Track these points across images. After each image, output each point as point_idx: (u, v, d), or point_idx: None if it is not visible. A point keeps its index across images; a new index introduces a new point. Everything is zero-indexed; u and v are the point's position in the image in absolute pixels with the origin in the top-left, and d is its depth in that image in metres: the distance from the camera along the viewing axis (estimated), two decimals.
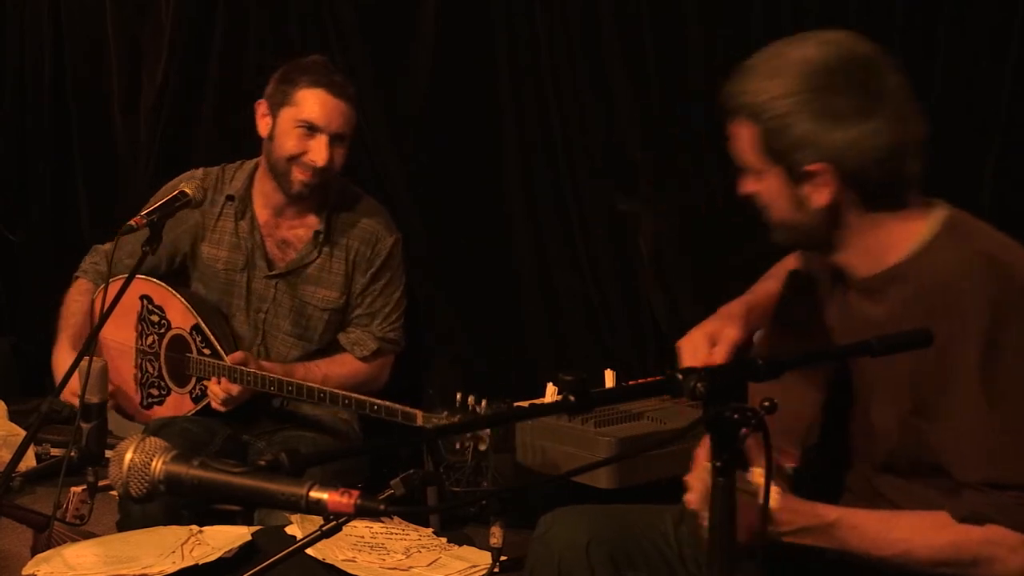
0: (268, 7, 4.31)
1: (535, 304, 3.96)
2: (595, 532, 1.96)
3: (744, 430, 1.31)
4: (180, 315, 2.90)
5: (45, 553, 2.24)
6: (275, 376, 2.69)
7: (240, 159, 3.11)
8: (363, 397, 2.60)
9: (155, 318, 2.97)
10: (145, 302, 2.98)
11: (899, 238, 1.74)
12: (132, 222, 2.42)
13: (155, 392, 2.97)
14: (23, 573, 2.16)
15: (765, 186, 1.77)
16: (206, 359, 2.82)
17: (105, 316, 2.25)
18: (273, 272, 2.90)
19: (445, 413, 2.39)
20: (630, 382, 2.85)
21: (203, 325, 2.84)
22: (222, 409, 2.77)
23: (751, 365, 1.42)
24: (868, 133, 1.67)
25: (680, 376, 1.36)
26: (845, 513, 1.72)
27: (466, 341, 3.98)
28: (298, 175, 2.78)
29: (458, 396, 2.40)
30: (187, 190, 2.58)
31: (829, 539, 1.70)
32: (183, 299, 2.89)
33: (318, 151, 2.75)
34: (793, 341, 1.89)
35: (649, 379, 3.12)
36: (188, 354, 2.88)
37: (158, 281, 2.94)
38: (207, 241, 2.94)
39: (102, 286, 2.82)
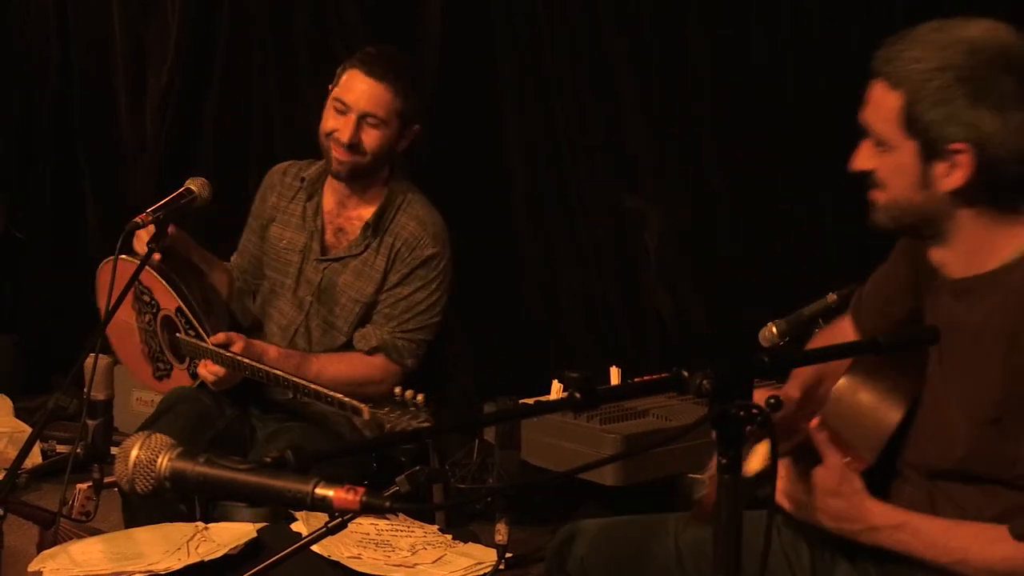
0: (272, 8, 4.31)
1: (540, 302, 3.97)
2: (596, 546, 1.92)
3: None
4: (165, 297, 2.92)
5: (51, 550, 2.24)
6: (247, 361, 2.70)
7: (244, 158, 3.13)
8: (321, 388, 2.60)
9: (146, 298, 3.00)
10: (137, 284, 3.00)
11: (1005, 243, 1.70)
12: (138, 219, 2.43)
13: (161, 365, 3.00)
14: (29, 569, 2.16)
15: (890, 161, 1.70)
16: (191, 340, 2.84)
17: (109, 315, 2.26)
18: (325, 257, 2.92)
19: (387, 407, 2.39)
20: (635, 379, 2.85)
21: (184, 307, 2.86)
22: (215, 389, 2.78)
23: (756, 362, 1.41)
24: (1018, 124, 1.63)
25: (686, 373, 1.35)
26: (911, 517, 1.70)
27: (472, 339, 3.98)
28: (333, 151, 2.83)
29: (396, 390, 2.39)
30: (192, 187, 2.59)
31: (893, 541, 1.69)
32: (165, 282, 2.91)
33: (344, 128, 2.77)
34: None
35: (654, 376, 3.12)
36: (177, 334, 2.90)
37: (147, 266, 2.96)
38: (278, 222, 2.98)
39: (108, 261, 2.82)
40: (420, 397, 2.36)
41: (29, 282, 4.99)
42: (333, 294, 2.90)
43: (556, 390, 2.84)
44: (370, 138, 2.80)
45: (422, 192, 3.00)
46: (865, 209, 3.19)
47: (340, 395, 2.57)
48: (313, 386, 2.59)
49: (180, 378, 2.94)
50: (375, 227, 2.87)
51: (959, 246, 1.73)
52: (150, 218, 2.41)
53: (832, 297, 2.44)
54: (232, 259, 3.06)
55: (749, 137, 3.64)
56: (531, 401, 2.77)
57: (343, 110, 2.78)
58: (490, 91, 3.96)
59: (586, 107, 3.80)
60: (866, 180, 1.76)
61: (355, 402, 2.53)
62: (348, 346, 2.91)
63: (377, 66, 2.79)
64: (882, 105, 1.71)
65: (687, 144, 3.75)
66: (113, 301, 2.30)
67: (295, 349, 2.90)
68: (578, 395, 1.38)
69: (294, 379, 2.62)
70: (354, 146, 2.78)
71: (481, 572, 2.17)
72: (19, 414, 4.24)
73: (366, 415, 2.47)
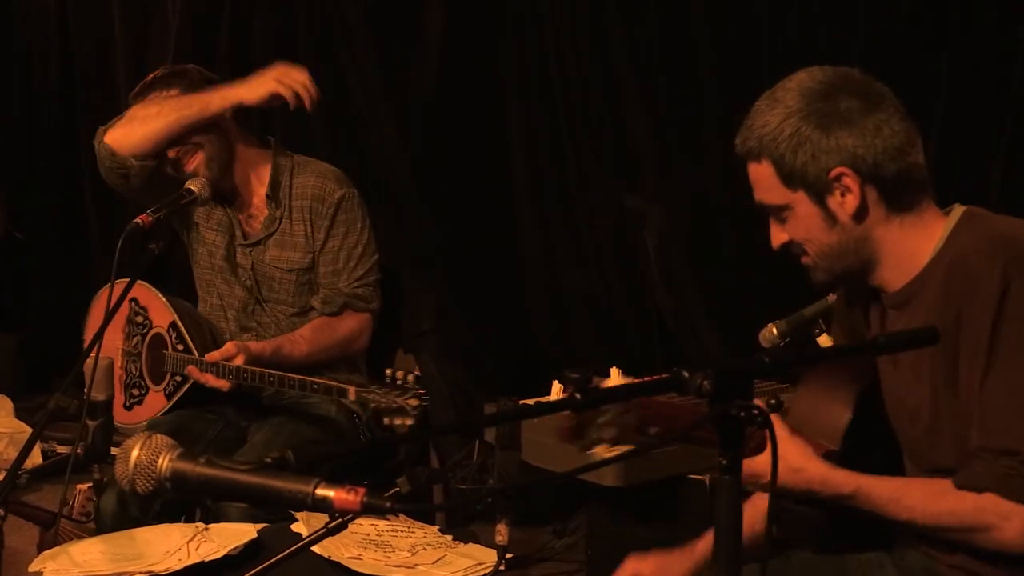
0: (274, 7, 4.31)
1: (541, 301, 3.97)
2: None
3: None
4: (160, 314, 2.94)
5: (52, 550, 2.24)
6: (233, 365, 2.71)
7: None
8: (306, 378, 2.62)
9: (140, 319, 3.00)
10: (133, 304, 3.02)
11: (924, 242, 1.77)
12: (139, 220, 2.43)
13: (136, 392, 2.99)
14: (29, 570, 2.16)
15: (796, 220, 1.81)
16: (179, 355, 2.85)
17: (111, 315, 2.25)
18: (246, 243, 2.93)
19: (374, 387, 2.39)
20: (636, 379, 2.84)
21: (178, 322, 2.87)
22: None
23: (757, 363, 1.42)
24: (874, 127, 1.72)
25: (686, 373, 1.36)
26: (863, 482, 1.75)
27: (473, 338, 3.98)
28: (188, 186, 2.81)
29: (387, 372, 2.39)
30: (193, 187, 2.59)
31: (852, 504, 1.76)
32: (164, 298, 2.93)
33: (177, 169, 2.80)
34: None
35: (655, 376, 3.12)
36: (164, 351, 2.90)
37: (146, 283, 2.97)
38: (207, 227, 2.98)
39: (105, 288, 2.84)
40: (411, 377, 2.36)
41: (30, 283, 5.00)
42: (266, 272, 2.92)
43: (556, 390, 2.84)
44: (197, 161, 2.80)
45: (294, 153, 3.00)
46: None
47: (325, 380, 2.59)
48: (297, 377, 2.60)
49: (153, 403, 2.94)
50: (274, 198, 2.88)
51: (887, 261, 1.80)
52: (151, 218, 2.41)
53: (832, 298, 2.44)
54: None
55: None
56: (531, 402, 2.76)
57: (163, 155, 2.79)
58: (492, 91, 3.96)
59: (588, 107, 3.80)
60: (791, 253, 1.86)
61: (340, 384, 2.54)
62: (300, 315, 2.92)
63: (145, 92, 2.82)
64: (760, 180, 1.82)
65: (689, 144, 3.75)
66: (114, 301, 2.30)
67: (259, 338, 2.91)
68: (578, 395, 1.38)
69: (286, 376, 2.63)
70: (193, 176, 2.77)
71: (481, 573, 2.17)
72: (19, 415, 4.25)
73: (352, 396, 2.48)
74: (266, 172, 2.92)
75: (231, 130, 2.88)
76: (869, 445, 1.85)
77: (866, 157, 1.72)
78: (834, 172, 1.74)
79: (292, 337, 2.86)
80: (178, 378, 2.87)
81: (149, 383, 2.97)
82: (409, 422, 2.63)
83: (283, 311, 2.93)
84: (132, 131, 2.82)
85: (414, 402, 2.49)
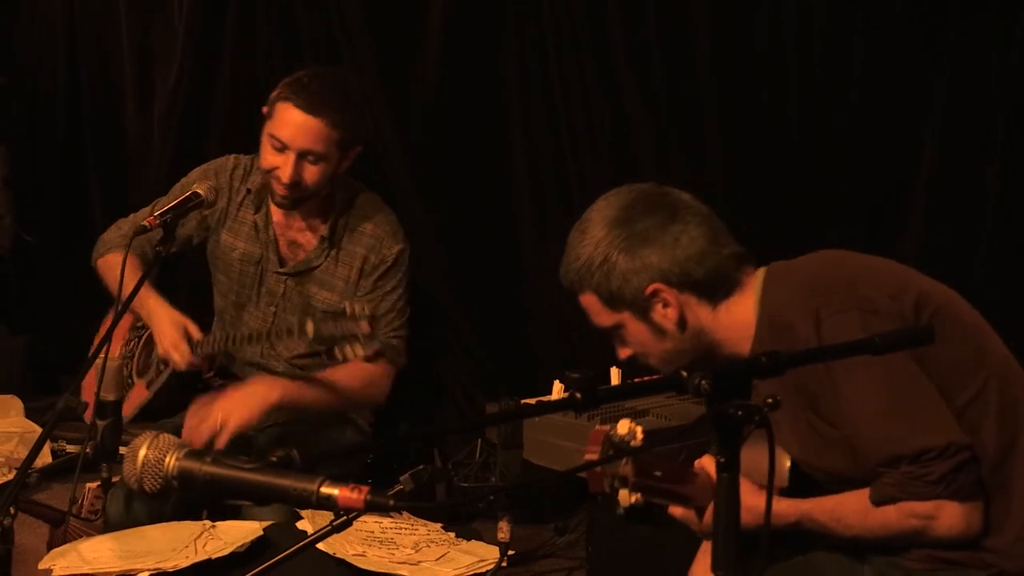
0: (277, 11, 4.31)
1: (542, 303, 3.96)
2: None
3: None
4: None
5: (61, 548, 2.25)
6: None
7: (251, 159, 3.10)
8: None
9: (140, 323, 3.00)
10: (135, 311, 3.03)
11: (747, 310, 1.88)
12: (146, 222, 2.42)
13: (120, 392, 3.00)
14: (40, 567, 2.17)
15: (630, 336, 1.91)
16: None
17: (117, 317, 2.26)
18: (283, 269, 2.90)
19: (329, 321, 2.47)
20: (636, 380, 2.85)
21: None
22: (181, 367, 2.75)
23: (755, 362, 1.42)
24: (673, 239, 1.84)
25: (685, 373, 1.36)
26: (807, 508, 1.83)
27: (476, 340, 3.98)
28: (275, 187, 2.75)
29: (346, 305, 2.46)
30: (200, 191, 2.58)
31: (804, 530, 1.85)
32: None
33: (284, 168, 2.70)
34: None
35: (654, 376, 3.12)
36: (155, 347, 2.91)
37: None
38: (227, 228, 2.94)
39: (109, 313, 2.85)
40: (367, 308, 2.41)
41: (39, 285, 5.00)
42: (301, 305, 2.87)
43: (557, 390, 2.85)
44: (311, 174, 2.72)
45: (366, 187, 2.96)
46: (859, 212, 3.22)
47: (280, 333, 2.63)
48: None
49: (135, 396, 2.94)
50: (331, 240, 2.85)
51: (728, 341, 1.90)
52: (158, 221, 2.41)
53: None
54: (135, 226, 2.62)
55: (751, 141, 3.64)
56: (533, 401, 2.77)
57: (280, 147, 2.69)
58: (492, 93, 3.96)
59: (588, 109, 3.80)
60: (640, 363, 1.98)
61: (296, 331, 2.54)
62: (303, 357, 2.88)
63: (310, 99, 2.67)
64: (589, 308, 1.94)
65: (689, 146, 3.75)
66: (123, 301, 2.30)
67: (267, 362, 2.90)
68: (579, 395, 1.38)
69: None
70: (295, 184, 2.71)
71: (484, 569, 2.18)
72: (29, 414, 4.25)
73: (310, 332, 2.48)
74: (326, 207, 2.86)
75: (346, 162, 2.81)
76: (809, 479, 1.91)
77: (672, 269, 1.84)
78: (648, 290, 1.85)
79: (314, 376, 2.78)
80: (161, 366, 2.86)
81: (135, 379, 2.97)
82: (360, 351, 2.61)
83: (292, 347, 2.89)
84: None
85: (366, 328, 2.49)
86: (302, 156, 2.70)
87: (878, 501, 1.77)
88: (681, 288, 1.85)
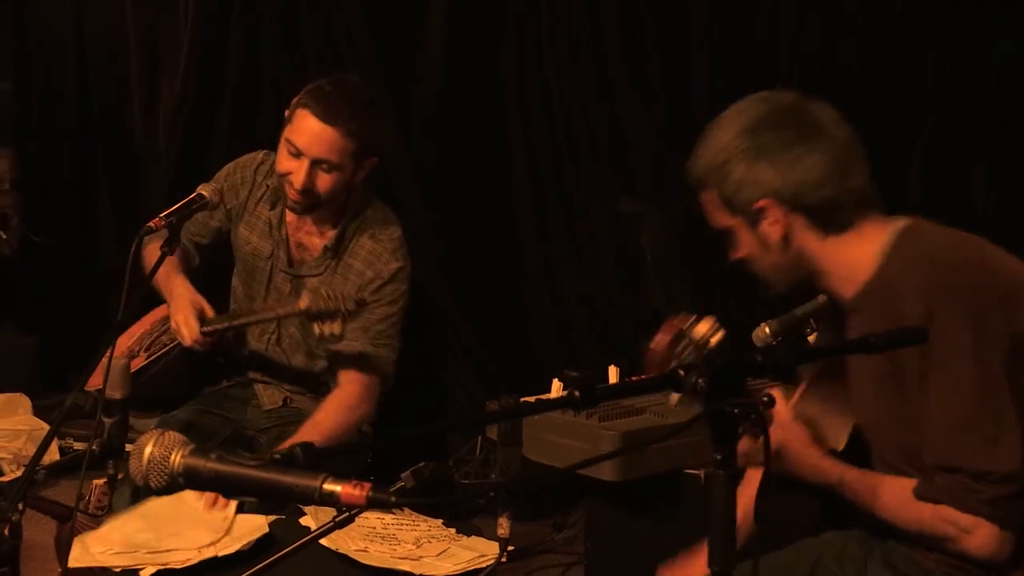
0: (281, 16, 4.31)
1: (542, 302, 3.96)
2: None
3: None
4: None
5: (94, 533, 2.25)
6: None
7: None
8: (259, 316, 2.75)
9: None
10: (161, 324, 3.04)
11: (864, 256, 1.82)
12: (151, 224, 2.42)
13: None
14: (70, 566, 2.18)
15: (740, 242, 1.89)
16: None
17: (123, 319, 2.25)
18: (290, 270, 2.90)
19: (324, 293, 2.59)
20: (633, 378, 2.84)
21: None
22: (187, 342, 2.76)
23: (750, 361, 1.42)
24: (792, 160, 1.78)
25: (682, 372, 1.36)
26: (845, 478, 1.82)
27: (476, 340, 3.98)
28: (288, 191, 2.75)
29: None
30: (204, 193, 2.58)
31: (838, 492, 1.84)
32: None
33: (297, 174, 2.68)
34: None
35: (651, 375, 3.12)
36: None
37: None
38: (244, 222, 2.95)
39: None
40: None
41: (47, 285, 4.99)
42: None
43: (556, 388, 2.84)
44: (324, 182, 2.70)
45: (379, 199, 2.94)
46: None
47: (276, 310, 2.72)
48: (255, 318, 2.77)
49: (135, 364, 2.94)
50: (334, 251, 2.84)
51: (832, 274, 1.86)
52: (163, 223, 2.41)
53: (823, 298, 2.43)
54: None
55: None
56: (532, 399, 2.76)
57: (296, 153, 2.68)
58: (493, 98, 3.96)
59: (587, 114, 3.80)
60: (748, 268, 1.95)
61: (280, 314, 2.67)
62: (317, 360, 2.89)
63: (328, 108, 2.66)
64: (708, 205, 1.92)
65: (684, 150, 3.74)
66: (125, 299, 2.29)
67: (270, 355, 2.90)
68: (577, 393, 1.38)
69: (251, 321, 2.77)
70: (307, 190, 2.70)
71: (483, 564, 2.17)
72: (38, 412, 4.25)
73: (303, 305, 2.57)
74: (336, 216, 2.85)
75: (360, 172, 2.79)
76: (862, 452, 1.89)
77: (785, 189, 1.79)
78: (758, 204, 1.81)
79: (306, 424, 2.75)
80: (168, 340, 2.87)
81: (142, 353, 2.97)
82: (337, 330, 2.63)
83: (304, 350, 2.90)
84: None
85: (351, 306, 2.58)
86: (316, 164, 2.69)
87: (922, 496, 1.74)
88: (792, 209, 1.80)
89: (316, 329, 2.64)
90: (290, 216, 2.89)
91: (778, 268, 1.87)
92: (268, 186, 2.90)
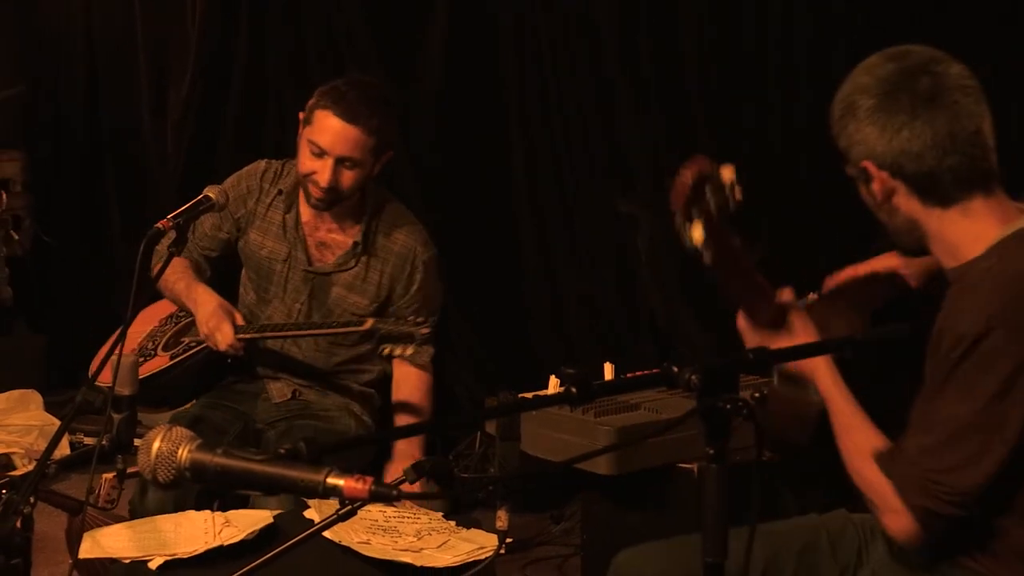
0: (284, 22, 4.32)
1: (540, 302, 3.97)
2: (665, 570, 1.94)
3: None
4: None
5: (90, 532, 2.25)
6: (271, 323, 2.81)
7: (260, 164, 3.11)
8: (317, 330, 2.76)
9: (180, 312, 3.01)
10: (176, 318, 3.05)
11: (965, 239, 1.74)
12: (159, 225, 2.42)
13: (140, 359, 2.99)
14: (80, 557, 2.18)
15: (861, 194, 1.82)
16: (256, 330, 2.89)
17: (131, 316, 2.25)
18: (311, 268, 2.90)
19: (390, 320, 2.71)
20: (628, 375, 2.84)
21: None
22: (220, 347, 2.79)
23: (741, 358, 1.42)
24: (895, 128, 1.70)
25: (675, 369, 1.36)
26: (835, 394, 1.81)
27: (476, 338, 3.98)
28: (312, 191, 2.78)
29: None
30: (211, 195, 2.58)
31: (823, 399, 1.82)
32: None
33: (322, 173, 2.72)
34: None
35: (646, 372, 3.12)
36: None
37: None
38: (255, 228, 2.95)
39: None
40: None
41: (58, 285, 4.99)
42: (326, 304, 2.88)
43: (553, 385, 2.84)
44: (347, 178, 2.75)
45: (397, 202, 2.97)
46: (835, 214, 3.20)
47: (336, 326, 2.75)
48: (313, 331, 2.78)
49: (153, 364, 2.94)
50: (364, 246, 2.86)
51: (935, 246, 1.79)
52: (171, 224, 2.40)
53: (812, 297, 2.44)
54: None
55: (736, 150, 3.65)
56: (530, 395, 2.76)
57: (319, 153, 2.71)
58: (493, 102, 3.96)
59: (584, 118, 3.81)
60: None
61: (359, 317, 2.70)
62: (336, 347, 2.90)
63: (349, 108, 2.70)
64: (840, 151, 1.83)
65: (679, 154, 3.75)
66: (133, 300, 2.29)
67: (287, 353, 2.91)
68: (574, 390, 1.38)
69: (301, 332, 2.80)
70: (332, 188, 2.74)
71: (482, 556, 2.17)
72: (49, 408, 4.25)
73: (369, 325, 2.66)
74: (356, 212, 2.88)
75: (378, 166, 2.83)
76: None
77: (886, 155, 1.72)
78: (863, 163, 1.75)
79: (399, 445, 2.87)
80: (192, 342, 2.88)
81: (159, 351, 2.97)
82: (410, 351, 2.76)
83: (328, 346, 2.91)
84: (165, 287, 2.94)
85: (425, 331, 2.72)
86: (340, 162, 2.73)
87: (878, 461, 1.72)
88: (893, 175, 1.74)
89: (386, 350, 2.79)
90: (307, 216, 2.90)
91: (893, 227, 1.81)
92: (280, 190, 2.91)
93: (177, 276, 2.94)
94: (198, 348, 2.91)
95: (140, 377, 2.83)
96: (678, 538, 1.97)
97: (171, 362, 2.91)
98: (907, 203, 1.75)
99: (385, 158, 2.84)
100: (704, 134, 3.69)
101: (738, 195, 1.63)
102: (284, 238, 2.91)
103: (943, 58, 1.73)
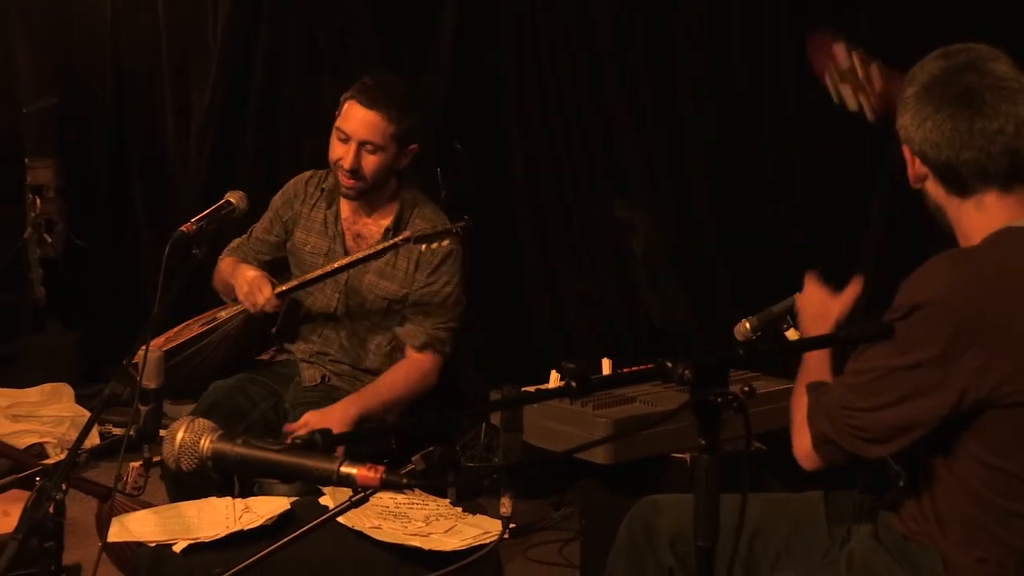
0: (302, 35, 4.32)
1: (541, 301, 3.96)
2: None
3: None
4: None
5: (118, 518, 2.25)
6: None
7: (276, 172, 3.12)
8: (362, 253, 2.76)
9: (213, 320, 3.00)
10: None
11: (974, 230, 1.76)
12: (184, 228, 2.42)
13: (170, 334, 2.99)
14: (109, 540, 2.18)
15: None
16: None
17: (159, 314, 2.24)
18: (349, 260, 2.91)
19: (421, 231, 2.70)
20: (624, 369, 2.84)
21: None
22: (257, 307, 2.80)
23: (732, 354, 1.42)
24: (922, 118, 1.74)
25: (669, 364, 1.36)
26: (813, 355, 1.90)
27: (480, 334, 3.98)
28: (340, 177, 2.82)
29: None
30: (232, 200, 2.58)
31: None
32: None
33: (347, 156, 2.77)
34: None
35: (641, 367, 3.11)
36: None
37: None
38: (300, 227, 2.98)
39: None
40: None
41: (89, 285, 5.00)
42: (360, 291, 2.90)
43: (554, 379, 2.83)
44: (369, 163, 2.78)
45: (429, 200, 2.99)
46: (820, 220, 3.18)
47: (383, 243, 2.75)
48: (348, 262, 2.76)
49: (181, 333, 2.94)
50: (394, 231, 2.87)
51: (956, 233, 1.80)
52: (194, 227, 2.40)
53: (799, 296, 2.43)
54: (241, 242, 3.05)
55: (728, 159, 3.65)
56: (532, 389, 2.76)
57: (344, 139, 2.77)
58: (497, 111, 3.97)
59: (583, 127, 3.80)
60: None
61: (397, 240, 2.71)
62: (371, 333, 2.90)
63: (372, 96, 2.76)
64: None
65: (673, 162, 3.75)
66: (159, 298, 2.29)
67: (327, 340, 2.91)
68: (573, 384, 1.38)
69: (339, 266, 2.78)
70: (355, 171, 2.77)
71: (487, 540, 2.17)
72: (80, 400, 4.25)
73: (405, 234, 2.69)
74: (390, 206, 2.90)
75: (403, 158, 2.84)
76: None
77: (915, 142, 1.76)
78: (903, 147, 1.80)
79: (370, 386, 2.81)
80: (223, 314, 2.89)
81: (196, 327, 2.97)
82: (446, 243, 2.77)
83: (362, 328, 2.92)
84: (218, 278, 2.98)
85: (460, 224, 2.73)
86: (362, 145, 2.77)
87: (810, 387, 1.80)
88: (922, 161, 1.78)
89: (425, 248, 2.78)
90: (345, 212, 2.93)
91: (930, 206, 1.82)
92: (323, 190, 2.95)
93: (228, 271, 2.98)
94: (233, 314, 2.92)
95: (172, 346, 2.86)
96: (690, 495, 1.99)
97: (203, 328, 2.91)
98: (934, 189, 1.78)
99: (411, 151, 2.86)
100: (695, 143, 3.69)
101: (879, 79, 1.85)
102: (325, 234, 2.94)
103: (994, 57, 1.74)
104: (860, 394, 1.69)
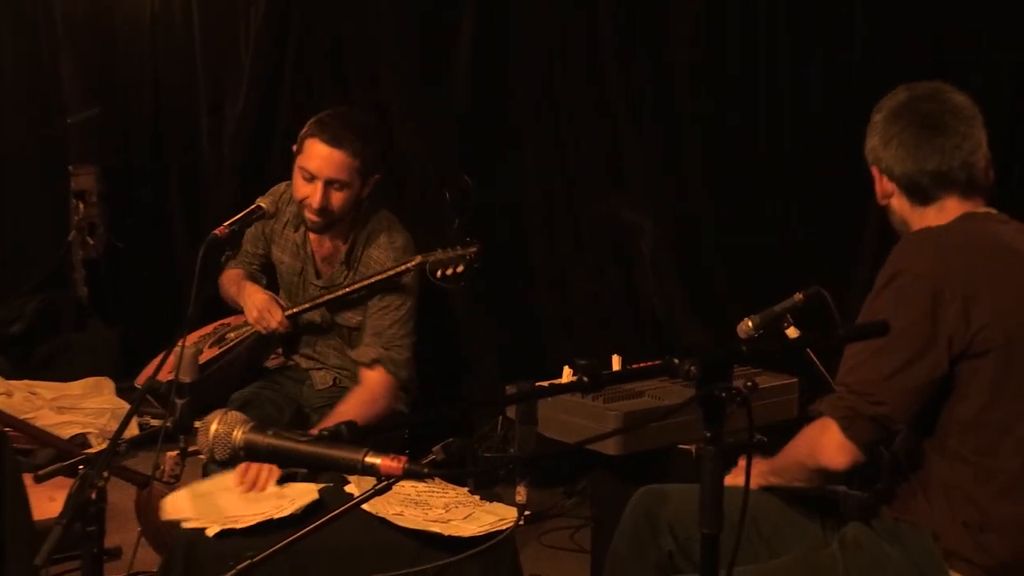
0: (330, 45, 4.34)
1: (554, 301, 3.96)
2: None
3: None
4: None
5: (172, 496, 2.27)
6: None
7: None
8: (363, 281, 2.73)
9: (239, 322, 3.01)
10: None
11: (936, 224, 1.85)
12: (217, 232, 2.42)
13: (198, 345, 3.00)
14: (163, 519, 2.20)
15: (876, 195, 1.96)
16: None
17: (193, 312, 2.26)
18: (319, 282, 2.89)
19: (436, 251, 2.64)
20: (633, 365, 2.83)
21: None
22: (270, 327, 2.81)
23: (735, 351, 1.41)
24: (887, 139, 1.86)
25: (676, 360, 1.36)
26: (768, 466, 1.96)
27: (498, 332, 3.98)
28: (307, 215, 2.74)
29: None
30: (263, 204, 2.58)
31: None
32: None
33: (314, 196, 2.68)
34: None
35: (649, 363, 3.10)
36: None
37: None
38: (276, 244, 2.95)
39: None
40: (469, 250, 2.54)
41: (128, 285, 5.03)
42: (336, 313, 2.86)
43: (567, 374, 2.83)
44: (337, 199, 2.69)
45: (383, 204, 2.89)
46: (819, 222, 3.14)
47: (386, 271, 2.70)
48: (357, 284, 2.73)
49: (203, 356, 2.95)
50: (347, 261, 2.82)
51: None
52: (226, 231, 2.41)
53: (799, 296, 2.42)
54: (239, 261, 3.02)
55: (727, 166, 3.64)
56: (546, 384, 2.76)
57: (309, 178, 2.67)
58: (510, 122, 3.97)
59: (591, 135, 3.80)
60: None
61: (405, 263, 2.67)
62: (350, 362, 2.88)
63: (334, 133, 2.66)
64: None
65: (676, 168, 3.74)
66: (194, 297, 2.30)
67: (323, 352, 2.90)
68: (585, 379, 1.38)
69: (338, 294, 2.76)
70: (323, 209, 2.69)
71: (504, 526, 2.17)
72: (120, 394, 4.27)
73: (418, 260, 2.64)
74: (350, 228, 2.82)
75: (366, 188, 2.77)
76: None
77: (883, 160, 1.87)
78: (872, 168, 1.91)
79: (326, 421, 2.70)
80: (232, 335, 2.89)
81: (206, 349, 2.98)
82: (461, 268, 2.69)
83: (338, 352, 2.90)
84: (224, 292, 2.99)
85: (472, 250, 2.68)
86: (329, 184, 2.68)
87: (811, 411, 1.83)
88: (889, 178, 1.88)
89: (439, 273, 2.71)
90: (312, 235, 2.88)
91: (893, 224, 1.94)
92: (291, 212, 2.89)
93: (231, 282, 2.98)
94: (244, 335, 2.92)
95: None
96: (690, 485, 2.00)
97: (220, 350, 2.92)
98: (899, 203, 1.88)
99: (373, 180, 2.77)
100: (695, 151, 3.68)
101: None
102: (297, 255, 2.89)
103: (949, 89, 1.87)
104: (871, 368, 1.73)
